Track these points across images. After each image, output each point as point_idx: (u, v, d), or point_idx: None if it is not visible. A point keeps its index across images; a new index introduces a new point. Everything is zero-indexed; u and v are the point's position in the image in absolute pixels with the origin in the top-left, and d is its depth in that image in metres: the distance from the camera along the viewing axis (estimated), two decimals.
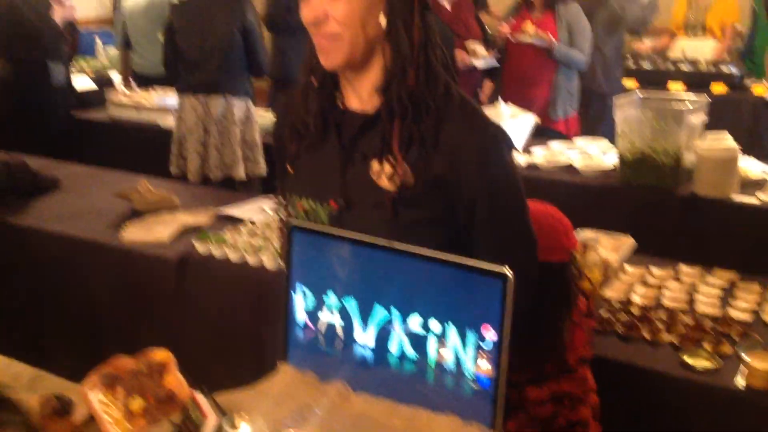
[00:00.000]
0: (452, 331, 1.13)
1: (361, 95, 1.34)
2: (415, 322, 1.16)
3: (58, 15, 4.58)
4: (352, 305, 1.22)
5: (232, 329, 2.31)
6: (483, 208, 1.30)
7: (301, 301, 1.27)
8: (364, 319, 1.21)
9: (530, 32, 4.14)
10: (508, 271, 1.06)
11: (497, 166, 1.31)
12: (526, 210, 1.37)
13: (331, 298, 1.24)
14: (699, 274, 2.28)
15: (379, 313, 1.19)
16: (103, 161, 3.74)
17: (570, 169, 3.36)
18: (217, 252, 2.39)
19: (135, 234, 2.58)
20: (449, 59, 1.35)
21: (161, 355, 1.41)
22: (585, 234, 2.38)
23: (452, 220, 1.31)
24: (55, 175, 3.18)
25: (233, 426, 1.15)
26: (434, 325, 1.14)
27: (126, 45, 5.27)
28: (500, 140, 1.33)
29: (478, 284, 1.09)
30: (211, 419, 1.17)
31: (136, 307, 2.49)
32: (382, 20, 1.27)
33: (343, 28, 1.26)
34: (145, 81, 5.02)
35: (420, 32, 1.29)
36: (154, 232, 2.60)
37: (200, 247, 2.43)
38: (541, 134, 3.93)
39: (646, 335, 1.89)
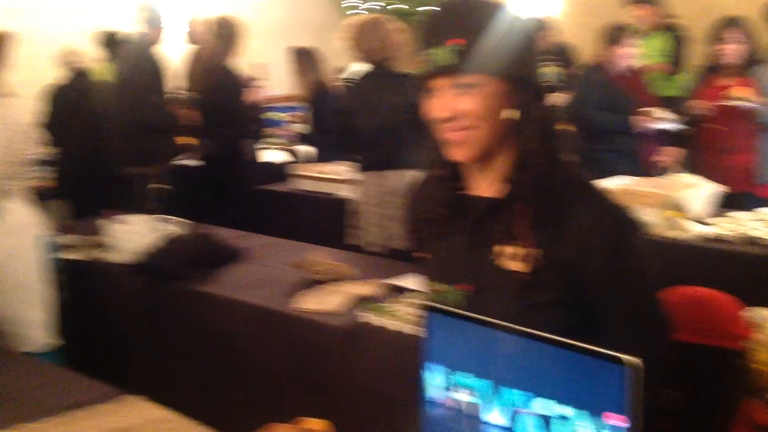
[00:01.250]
0: (581, 417, 1.12)
1: (487, 182, 1.39)
2: (544, 405, 1.16)
3: (248, 96, 4.99)
4: (482, 386, 1.24)
5: (391, 397, 2.37)
6: (609, 291, 1.30)
7: (434, 380, 1.31)
8: (495, 400, 1.22)
9: (739, 95, 4.01)
10: (627, 358, 1.05)
11: (623, 249, 1.32)
12: (654, 293, 1.35)
13: (462, 379, 1.26)
14: None
15: (509, 395, 1.20)
16: (284, 231, 3.98)
17: (757, 240, 3.18)
18: (379, 321, 2.48)
19: (307, 303, 2.73)
20: (571, 143, 1.37)
21: (318, 425, 1.50)
22: (762, 312, 2.24)
23: (579, 302, 1.32)
24: (238, 245, 3.42)
25: None
26: (562, 409, 1.14)
27: None
28: (626, 224, 1.33)
29: (601, 370, 1.09)
30: None
31: (303, 373, 2.62)
32: (510, 113, 1.32)
33: (476, 122, 1.31)
34: None
35: (543, 120, 1.32)
36: (324, 301, 2.73)
37: (365, 317, 2.53)
38: (747, 201, 3.81)
39: None
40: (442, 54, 1.30)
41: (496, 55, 1.30)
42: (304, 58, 5.20)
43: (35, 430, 1.80)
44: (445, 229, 1.43)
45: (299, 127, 5.75)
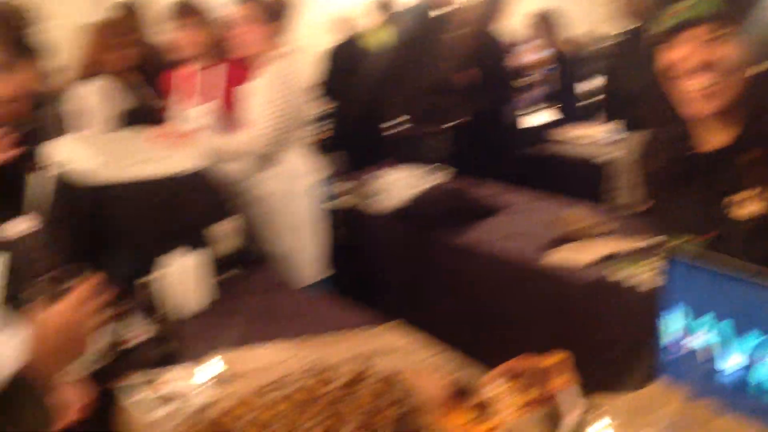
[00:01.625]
0: None
1: (716, 135, 1.40)
2: None
3: (511, 61, 5.07)
4: (723, 330, 1.27)
5: (631, 345, 2.40)
6: None
7: (673, 326, 1.36)
8: (734, 344, 1.26)
9: None
10: None
11: None
12: None
13: (703, 322, 1.31)
14: None
15: (749, 338, 1.23)
16: (541, 191, 4.05)
17: None
18: (627, 278, 2.52)
19: (558, 257, 2.81)
20: None
21: (558, 357, 1.60)
22: None
23: None
24: (497, 200, 3.56)
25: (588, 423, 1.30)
26: None
27: None
28: None
29: None
30: (573, 416, 1.33)
31: (549, 323, 2.72)
32: (759, 65, 1.32)
33: (726, 73, 1.33)
34: None
35: None
36: (576, 257, 2.80)
37: (614, 273, 2.57)
38: None
39: None
40: (700, 4, 1.32)
41: (752, 9, 1.30)
42: (544, 22, 5.17)
43: (309, 346, 2.05)
44: (678, 185, 1.47)
45: (547, 89, 5.78)
